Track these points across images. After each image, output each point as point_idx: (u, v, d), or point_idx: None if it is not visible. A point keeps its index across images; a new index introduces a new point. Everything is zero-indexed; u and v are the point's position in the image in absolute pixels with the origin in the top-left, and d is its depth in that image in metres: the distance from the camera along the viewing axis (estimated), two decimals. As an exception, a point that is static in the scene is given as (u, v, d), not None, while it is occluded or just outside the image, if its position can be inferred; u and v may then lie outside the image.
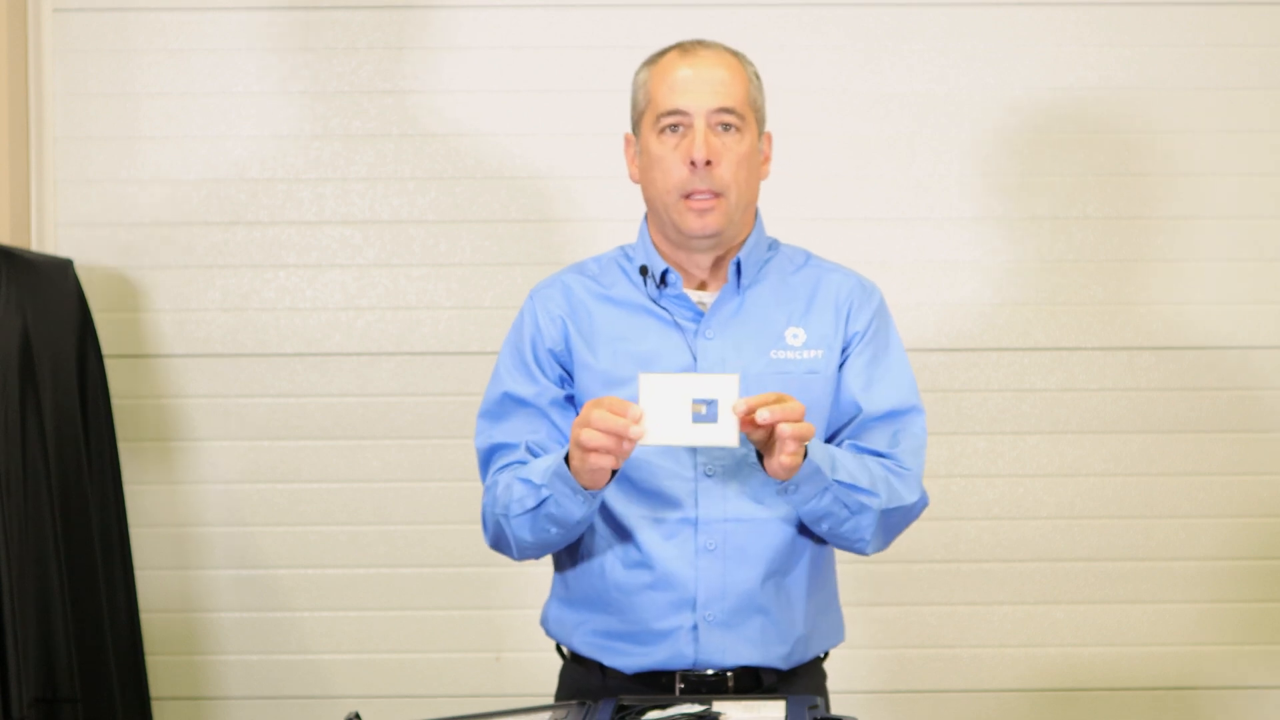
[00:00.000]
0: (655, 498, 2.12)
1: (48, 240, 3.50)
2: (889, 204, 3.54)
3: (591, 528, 2.16)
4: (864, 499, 2.06)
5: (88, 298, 3.32)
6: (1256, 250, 3.55)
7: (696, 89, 2.10)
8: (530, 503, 2.05)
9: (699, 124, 2.09)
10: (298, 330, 3.55)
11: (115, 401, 3.41)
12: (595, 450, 1.93)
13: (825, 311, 2.17)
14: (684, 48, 2.15)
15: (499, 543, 2.17)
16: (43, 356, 3.09)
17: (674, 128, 2.11)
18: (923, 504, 2.19)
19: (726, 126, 2.11)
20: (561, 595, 2.22)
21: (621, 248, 2.25)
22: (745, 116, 2.12)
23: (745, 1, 3.52)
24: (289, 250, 3.54)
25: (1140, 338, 3.55)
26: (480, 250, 3.54)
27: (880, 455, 2.15)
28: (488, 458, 2.19)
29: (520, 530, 2.09)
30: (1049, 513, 3.57)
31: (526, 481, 2.06)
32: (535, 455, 2.15)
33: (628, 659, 2.14)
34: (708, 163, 2.08)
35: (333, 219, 3.54)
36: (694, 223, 2.11)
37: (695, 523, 2.10)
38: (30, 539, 2.99)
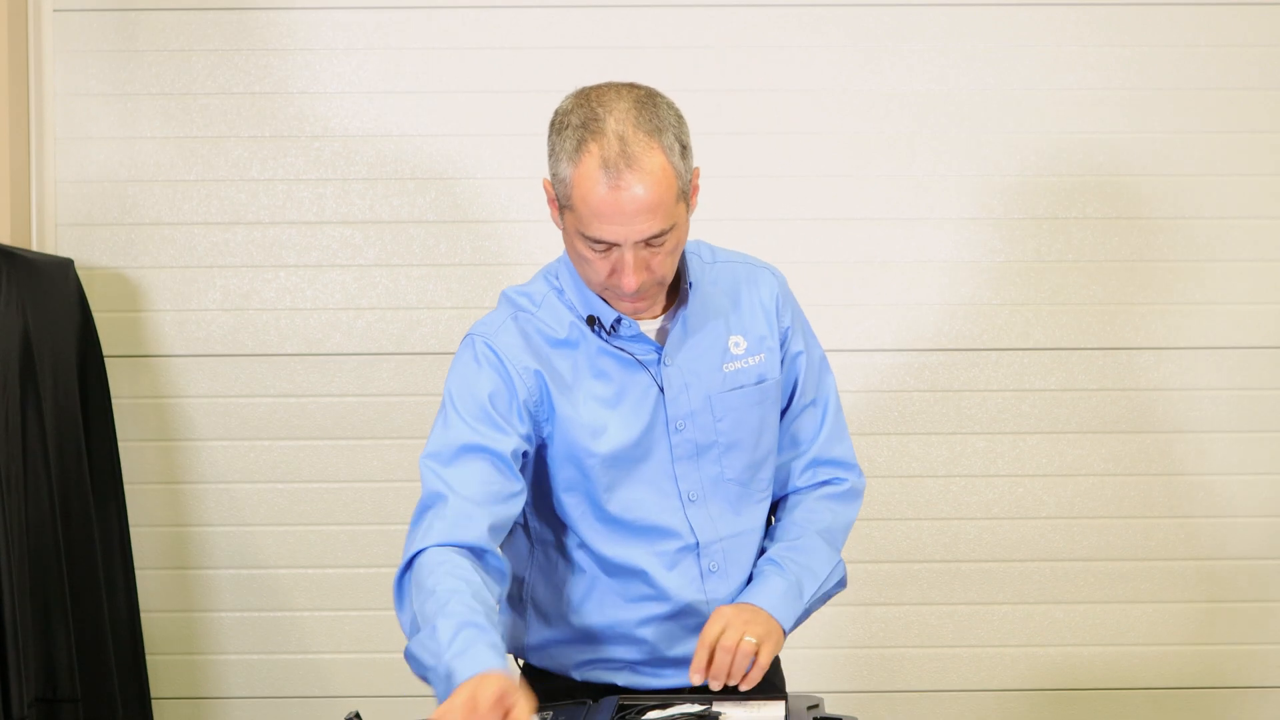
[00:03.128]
0: (653, 532, 2.10)
1: (48, 240, 3.50)
2: (889, 204, 3.54)
3: (581, 571, 2.12)
4: (833, 582, 2.16)
5: (88, 298, 3.32)
6: (1256, 250, 3.55)
7: (625, 221, 1.94)
8: (417, 668, 1.89)
9: (627, 253, 1.96)
10: (298, 330, 3.55)
11: (115, 401, 3.41)
12: None
13: (754, 312, 2.16)
14: (606, 164, 1.94)
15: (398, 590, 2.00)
16: (43, 356, 3.09)
17: (600, 249, 1.99)
18: (862, 485, 2.26)
19: (656, 243, 1.97)
20: (546, 633, 2.17)
21: (547, 280, 2.13)
22: (675, 219, 1.97)
23: (745, 1, 3.51)
24: (289, 250, 3.54)
25: (1139, 338, 3.55)
26: (480, 250, 3.54)
27: (817, 469, 2.22)
28: (430, 504, 2.06)
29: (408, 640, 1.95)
30: (1049, 513, 3.57)
31: (416, 657, 1.88)
32: (464, 518, 1.99)
33: (641, 680, 2.14)
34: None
35: (333, 219, 3.54)
36: (627, 309, 2.05)
37: (696, 548, 2.11)
38: (31, 539, 2.99)
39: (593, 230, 1.95)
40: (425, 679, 1.88)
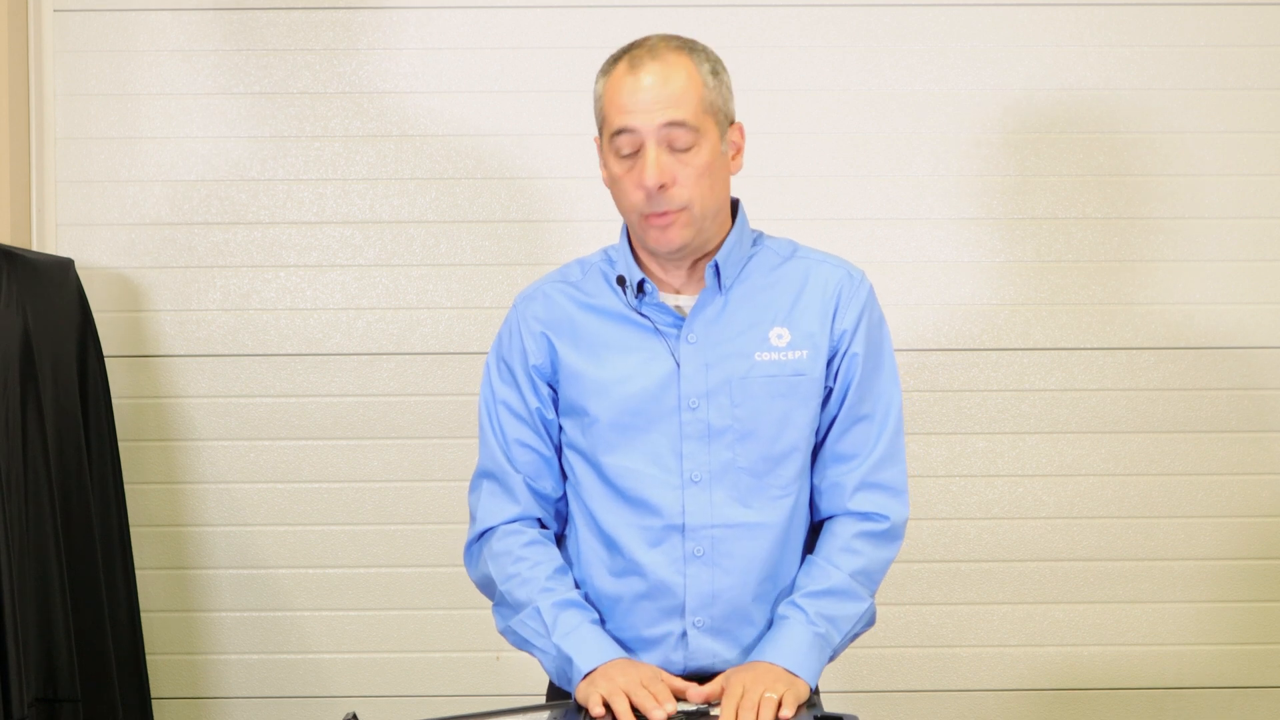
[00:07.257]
0: (641, 505, 2.11)
1: (48, 240, 3.50)
2: (889, 204, 3.54)
3: (578, 538, 2.17)
4: (862, 625, 2.13)
5: (88, 298, 3.32)
6: (1256, 250, 3.55)
7: (644, 107, 2.02)
8: (516, 640, 2.14)
9: (649, 146, 2.03)
10: (298, 330, 3.55)
11: (115, 401, 3.41)
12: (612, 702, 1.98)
13: (811, 307, 2.14)
14: (632, 59, 2.06)
15: (484, 590, 2.22)
16: (43, 356, 3.09)
17: (628, 152, 2.05)
18: (904, 518, 2.18)
19: (679, 143, 2.04)
20: None
21: (605, 250, 2.22)
22: (700, 126, 2.05)
23: (745, 2, 3.52)
24: (289, 250, 3.55)
25: (1140, 338, 3.56)
26: (480, 250, 3.54)
27: (866, 492, 2.14)
28: (484, 473, 2.23)
29: (503, 620, 2.16)
30: (1049, 513, 3.57)
31: (515, 633, 2.13)
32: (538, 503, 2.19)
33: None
34: (661, 187, 2.03)
35: (333, 219, 3.55)
36: (658, 238, 2.08)
37: (682, 529, 2.10)
38: (31, 539, 2.99)
39: (616, 121, 2.04)
40: (526, 648, 2.12)
